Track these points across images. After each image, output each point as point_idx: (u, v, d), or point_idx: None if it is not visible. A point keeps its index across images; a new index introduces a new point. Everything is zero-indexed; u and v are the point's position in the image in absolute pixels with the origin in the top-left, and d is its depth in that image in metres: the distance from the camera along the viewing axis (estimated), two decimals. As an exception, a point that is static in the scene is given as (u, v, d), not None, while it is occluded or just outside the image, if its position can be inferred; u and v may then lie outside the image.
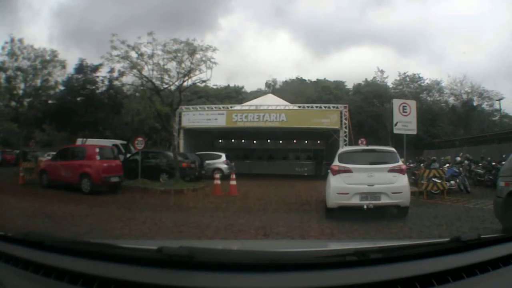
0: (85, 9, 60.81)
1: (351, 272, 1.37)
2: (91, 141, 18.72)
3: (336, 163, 8.28)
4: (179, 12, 69.49)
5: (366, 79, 44.99)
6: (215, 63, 15.32)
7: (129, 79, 17.62)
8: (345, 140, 20.29)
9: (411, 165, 18.27)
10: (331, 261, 1.43)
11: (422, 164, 16.92)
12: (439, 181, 12.11)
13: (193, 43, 15.20)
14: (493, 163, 15.39)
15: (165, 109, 16.70)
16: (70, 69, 21.21)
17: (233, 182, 13.24)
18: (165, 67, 15.37)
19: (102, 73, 20.97)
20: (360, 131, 30.85)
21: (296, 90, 44.93)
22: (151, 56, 15.14)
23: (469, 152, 20.64)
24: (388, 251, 1.56)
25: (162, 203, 10.86)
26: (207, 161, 19.62)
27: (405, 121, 14.96)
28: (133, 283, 1.32)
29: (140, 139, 15.92)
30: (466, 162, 17.12)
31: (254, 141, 30.27)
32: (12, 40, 19.29)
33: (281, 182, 18.28)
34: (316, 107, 22.51)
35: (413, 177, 14.29)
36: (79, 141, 19.30)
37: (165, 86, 15.90)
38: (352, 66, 70.46)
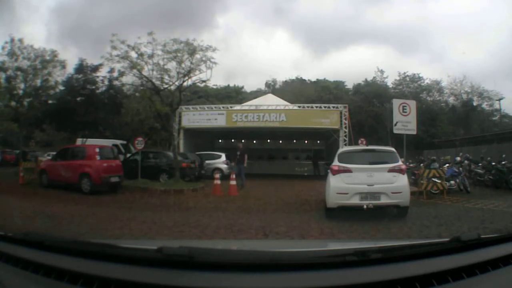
0: (83, 8, 60.76)
1: (351, 272, 1.37)
2: (91, 141, 18.74)
3: (336, 163, 8.28)
4: (176, 9, 69.35)
5: (366, 79, 44.97)
6: (215, 63, 15.32)
7: (129, 79, 17.60)
8: (345, 140, 20.29)
9: (411, 165, 18.25)
10: (331, 261, 1.43)
11: (422, 164, 16.93)
12: (439, 181, 12.09)
13: (193, 43, 15.20)
14: (493, 163, 15.40)
15: (165, 109, 16.66)
16: (70, 69, 21.21)
17: (233, 182, 13.24)
18: (165, 67, 15.36)
19: (102, 73, 21.00)
20: (360, 131, 30.79)
21: (296, 90, 44.96)
22: (151, 56, 15.13)
23: (469, 152, 20.67)
24: (388, 251, 1.56)
25: (162, 203, 10.84)
26: (207, 161, 19.62)
27: (405, 121, 14.96)
28: (133, 283, 1.32)
29: (140, 139, 15.93)
30: (466, 162, 17.12)
31: (254, 141, 30.27)
32: (12, 40, 19.24)
33: (281, 182, 18.25)
34: (316, 107, 22.51)
35: (413, 177, 14.29)
36: (79, 141, 19.33)
37: (165, 86, 15.88)
38: (352, 65, 70.44)
